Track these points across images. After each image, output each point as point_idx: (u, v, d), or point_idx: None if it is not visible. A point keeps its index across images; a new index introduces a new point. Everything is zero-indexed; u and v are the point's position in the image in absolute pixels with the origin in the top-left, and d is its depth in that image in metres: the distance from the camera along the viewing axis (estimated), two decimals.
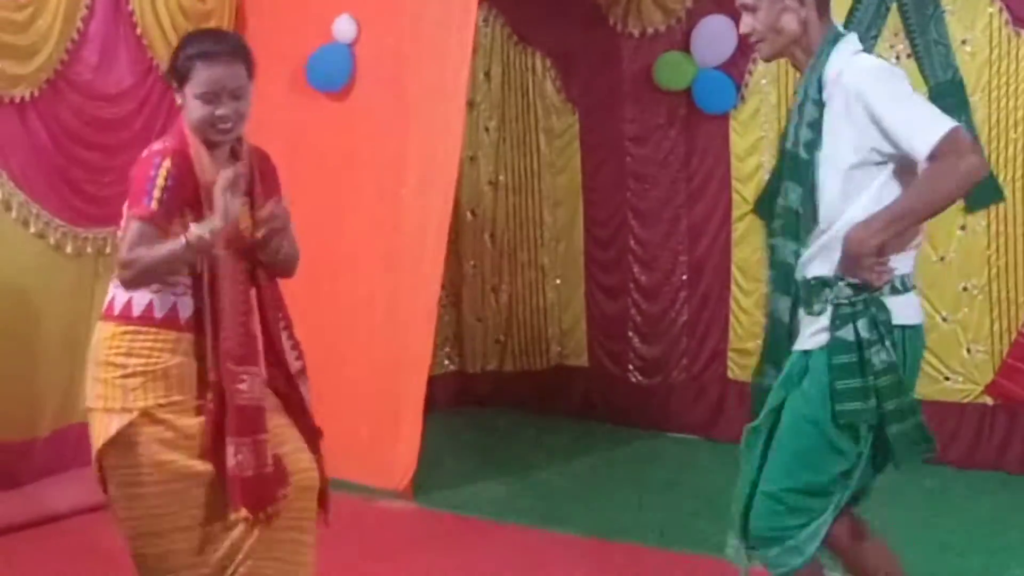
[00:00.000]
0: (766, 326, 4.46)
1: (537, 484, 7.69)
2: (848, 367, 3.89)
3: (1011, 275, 7.70)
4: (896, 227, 3.85)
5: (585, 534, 6.65)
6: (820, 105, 3.96)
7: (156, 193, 4.14)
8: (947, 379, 7.87)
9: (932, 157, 3.77)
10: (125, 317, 4.21)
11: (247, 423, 4.17)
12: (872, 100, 3.84)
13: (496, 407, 9.59)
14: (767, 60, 4.20)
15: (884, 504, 7.00)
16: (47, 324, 7.10)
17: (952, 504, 7.13)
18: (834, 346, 3.91)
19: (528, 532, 6.69)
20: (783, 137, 4.19)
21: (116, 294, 4.26)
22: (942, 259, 7.79)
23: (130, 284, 4.14)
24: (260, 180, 4.38)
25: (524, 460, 8.18)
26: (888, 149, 3.86)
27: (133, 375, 4.16)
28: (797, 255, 4.01)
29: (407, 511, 7.02)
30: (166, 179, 4.15)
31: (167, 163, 4.17)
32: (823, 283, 3.94)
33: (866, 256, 3.83)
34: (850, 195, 3.91)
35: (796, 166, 4.01)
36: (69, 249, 7.16)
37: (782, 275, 4.10)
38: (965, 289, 7.80)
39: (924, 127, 3.81)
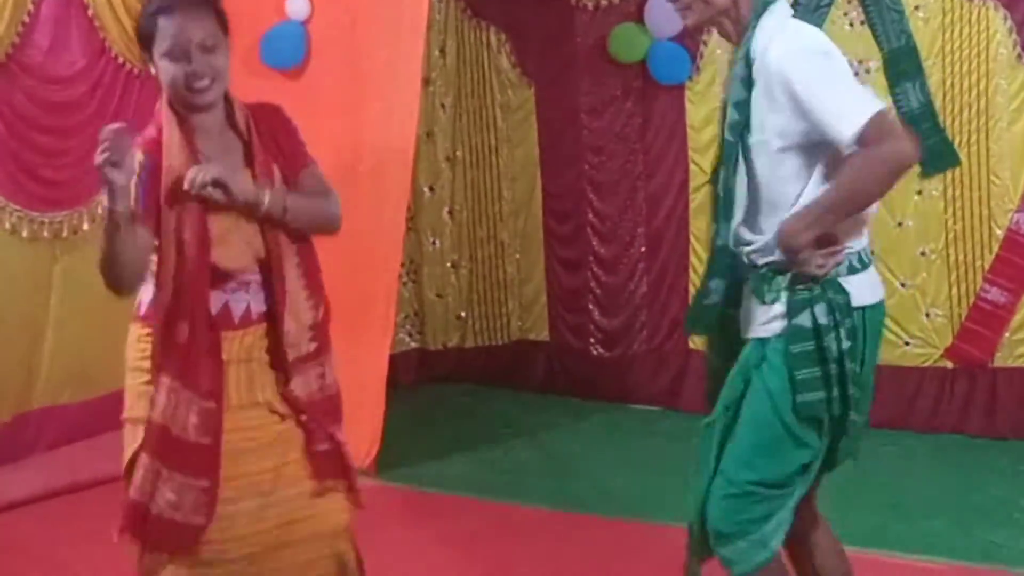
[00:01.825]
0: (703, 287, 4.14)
1: (501, 459, 7.70)
2: (806, 355, 3.73)
3: (968, 239, 7.73)
4: (828, 220, 3.68)
5: (550, 507, 6.67)
6: (748, 84, 3.76)
7: (133, 191, 3.70)
8: (906, 344, 7.90)
9: (857, 143, 3.58)
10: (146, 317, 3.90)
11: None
12: (796, 85, 3.65)
13: (458, 383, 9.58)
14: (692, 29, 3.97)
15: (845, 470, 7.06)
16: (5, 309, 7.06)
17: (914, 468, 7.17)
18: (792, 334, 3.74)
19: (493, 507, 6.70)
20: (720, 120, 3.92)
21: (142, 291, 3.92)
22: (900, 225, 7.81)
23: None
24: (260, 144, 4.00)
25: (487, 435, 8.18)
26: (816, 136, 3.68)
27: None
28: (727, 237, 3.83)
29: (371, 489, 6.93)
30: (140, 174, 3.74)
31: (139, 156, 3.76)
32: (775, 271, 3.78)
33: (800, 251, 3.68)
34: (788, 179, 3.75)
35: (726, 148, 3.83)
36: (25, 233, 7.13)
37: (719, 260, 3.92)
38: (923, 254, 7.83)
39: (848, 112, 3.61)
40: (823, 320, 3.72)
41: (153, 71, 3.89)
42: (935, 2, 7.69)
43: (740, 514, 3.88)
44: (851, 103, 3.65)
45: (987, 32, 7.59)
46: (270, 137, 4.02)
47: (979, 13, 7.59)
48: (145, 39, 3.86)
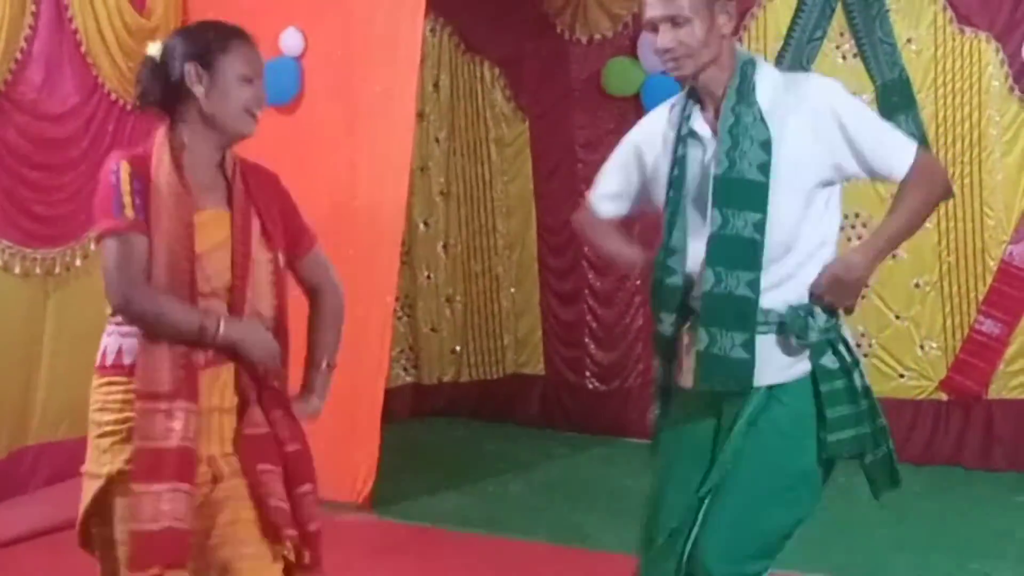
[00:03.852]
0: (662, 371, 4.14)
1: (496, 493, 7.68)
2: (837, 394, 3.73)
3: (962, 271, 7.75)
4: (888, 253, 3.86)
5: (547, 541, 6.65)
6: (765, 126, 3.70)
7: (125, 199, 3.63)
8: (901, 376, 7.91)
9: (907, 179, 3.73)
10: (103, 367, 3.74)
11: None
12: (846, 119, 3.69)
13: (453, 417, 9.58)
14: (686, 79, 3.87)
15: (842, 501, 7.05)
16: None
17: (910, 500, 7.14)
18: (820, 374, 3.72)
19: (488, 541, 6.68)
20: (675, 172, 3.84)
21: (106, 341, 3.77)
22: (893, 257, 7.79)
23: (134, 323, 3.66)
24: (258, 191, 3.91)
25: (483, 469, 8.16)
26: (853, 169, 3.73)
27: (103, 435, 3.73)
28: (754, 286, 3.69)
29: (367, 524, 7.00)
30: (130, 182, 3.64)
31: (125, 165, 3.65)
32: (808, 312, 3.71)
33: (861, 286, 3.76)
34: (807, 217, 3.73)
35: (747, 191, 3.71)
36: (17, 270, 7.10)
37: (727, 309, 3.73)
38: (917, 286, 7.85)
39: (900, 146, 3.76)
40: (848, 358, 3.75)
41: (200, 89, 3.75)
42: (927, 34, 7.74)
43: (743, 568, 3.78)
44: (900, 138, 3.81)
45: (979, 64, 7.63)
46: (270, 205, 3.93)
47: (971, 45, 7.64)
48: (213, 55, 3.76)
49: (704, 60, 3.76)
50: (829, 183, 3.75)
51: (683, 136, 3.84)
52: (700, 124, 3.83)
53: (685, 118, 3.85)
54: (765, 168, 3.68)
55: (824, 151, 3.70)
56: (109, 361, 3.74)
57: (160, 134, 3.80)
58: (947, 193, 3.94)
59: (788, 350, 3.73)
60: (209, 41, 3.78)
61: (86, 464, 3.83)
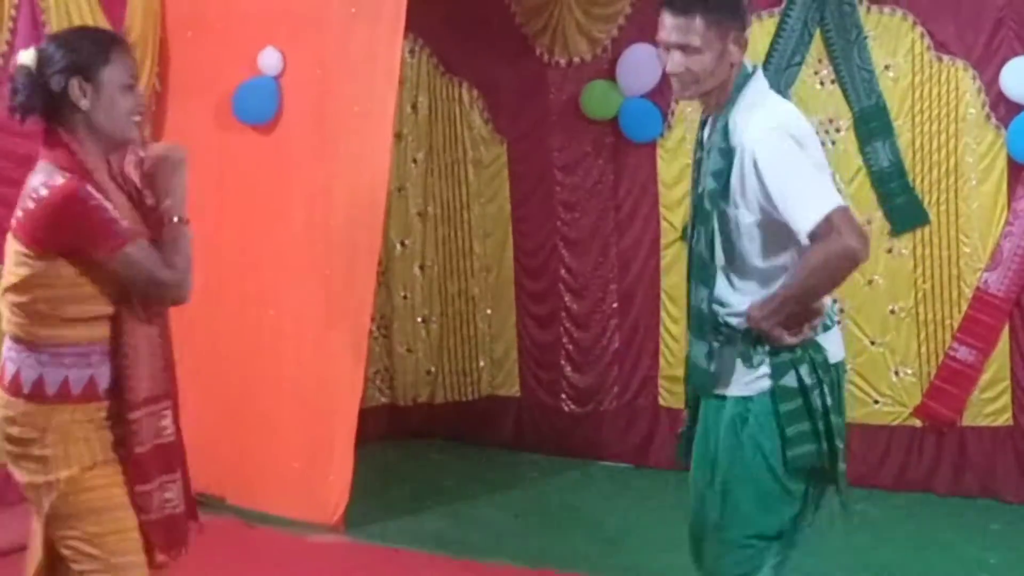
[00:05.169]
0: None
1: (470, 516, 7.66)
2: (796, 412, 3.87)
3: (937, 297, 7.76)
4: (788, 308, 3.84)
5: (520, 564, 6.63)
6: (727, 154, 3.86)
7: (115, 214, 3.71)
8: (876, 402, 7.91)
9: (812, 237, 3.73)
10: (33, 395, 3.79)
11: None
12: (763, 167, 3.77)
13: (428, 439, 9.55)
14: (688, 99, 4.09)
15: (814, 528, 7.02)
16: None
17: (882, 527, 7.16)
18: (779, 393, 3.88)
19: (461, 564, 6.66)
20: (693, 181, 4.09)
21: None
22: (869, 282, 7.84)
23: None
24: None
25: (457, 492, 8.14)
26: (779, 216, 3.80)
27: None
28: (709, 301, 3.94)
29: (339, 545, 6.97)
30: (105, 200, 3.72)
31: (93, 190, 3.70)
32: (759, 335, 3.89)
33: (767, 332, 3.84)
34: (767, 248, 3.88)
35: (701, 214, 3.95)
36: None
37: (695, 320, 4.03)
38: (892, 312, 7.85)
39: (806, 205, 3.74)
40: (808, 380, 3.87)
41: (84, 102, 3.78)
42: (905, 62, 7.75)
43: (737, 568, 4.01)
44: (811, 196, 3.78)
45: (956, 92, 7.64)
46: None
47: (949, 73, 7.64)
48: (93, 68, 3.79)
49: (708, 86, 3.96)
50: (772, 223, 3.85)
51: (700, 142, 4.08)
52: (707, 136, 4.04)
53: (701, 124, 4.11)
54: (712, 196, 3.87)
55: (751, 194, 3.83)
56: (28, 389, 3.79)
57: (77, 148, 3.81)
58: (852, 256, 3.77)
59: (747, 366, 3.93)
60: (89, 53, 3.80)
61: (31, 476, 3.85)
